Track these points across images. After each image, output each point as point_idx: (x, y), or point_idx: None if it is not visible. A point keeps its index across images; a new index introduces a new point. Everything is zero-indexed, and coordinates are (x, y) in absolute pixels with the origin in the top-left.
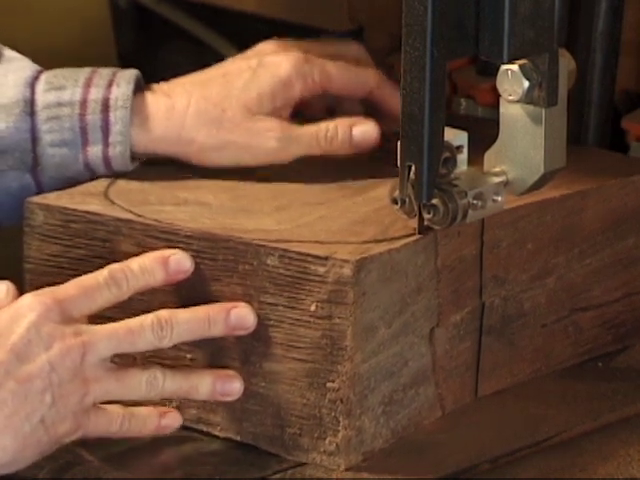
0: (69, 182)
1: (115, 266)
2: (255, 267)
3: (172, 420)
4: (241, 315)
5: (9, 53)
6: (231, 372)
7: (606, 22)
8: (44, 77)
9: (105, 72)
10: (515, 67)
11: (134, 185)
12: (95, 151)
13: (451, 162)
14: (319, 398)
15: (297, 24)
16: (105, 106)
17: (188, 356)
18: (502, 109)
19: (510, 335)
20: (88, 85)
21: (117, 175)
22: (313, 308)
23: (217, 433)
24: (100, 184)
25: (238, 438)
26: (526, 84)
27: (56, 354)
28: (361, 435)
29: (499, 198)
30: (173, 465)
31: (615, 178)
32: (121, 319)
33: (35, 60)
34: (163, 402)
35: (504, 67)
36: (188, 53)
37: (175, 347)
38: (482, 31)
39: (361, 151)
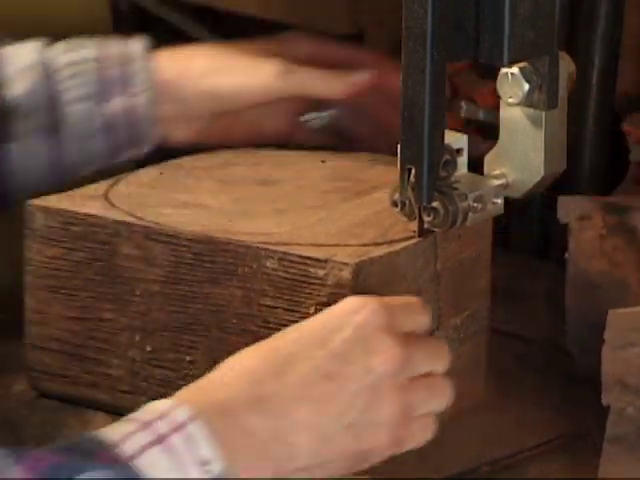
0: (89, 148)
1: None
2: (255, 270)
3: None
4: None
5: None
6: None
7: (606, 25)
8: (58, 44)
9: (114, 37)
10: (515, 70)
11: (134, 188)
12: (119, 102)
13: (451, 165)
14: None
15: (298, 27)
16: (125, 60)
17: (188, 358)
18: (502, 112)
19: None
20: (104, 44)
21: (117, 178)
22: (313, 311)
23: None
24: (100, 187)
25: None
26: (526, 87)
27: (376, 360)
28: None
29: (499, 201)
30: None
31: None
32: (117, 320)
33: None
34: None
35: (504, 70)
36: None
37: (174, 349)
38: (482, 33)
39: None
